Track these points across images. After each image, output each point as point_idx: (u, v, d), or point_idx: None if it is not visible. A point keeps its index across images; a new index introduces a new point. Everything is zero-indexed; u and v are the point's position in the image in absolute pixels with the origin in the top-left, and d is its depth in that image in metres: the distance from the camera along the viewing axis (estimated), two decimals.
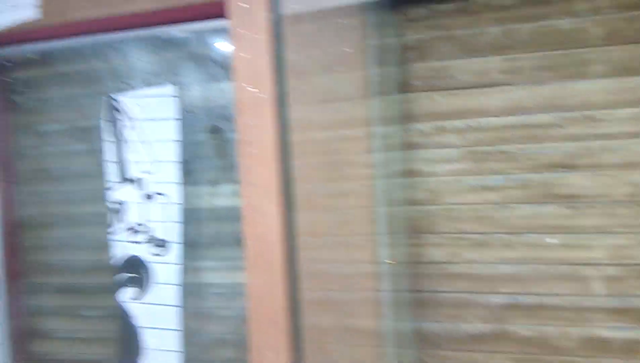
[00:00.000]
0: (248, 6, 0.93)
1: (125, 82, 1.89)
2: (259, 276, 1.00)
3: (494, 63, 1.66)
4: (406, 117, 1.74)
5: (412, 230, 1.75)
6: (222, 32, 1.73)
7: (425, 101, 1.72)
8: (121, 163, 1.87)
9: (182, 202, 1.80)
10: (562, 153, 1.62)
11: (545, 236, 1.64)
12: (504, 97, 1.66)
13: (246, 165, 1.03)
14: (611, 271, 1.58)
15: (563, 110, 1.61)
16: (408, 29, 1.73)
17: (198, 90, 1.83)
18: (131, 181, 1.86)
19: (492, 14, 1.66)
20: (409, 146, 1.74)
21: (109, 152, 1.89)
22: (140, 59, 1.89)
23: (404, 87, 1.74)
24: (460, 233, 1.71)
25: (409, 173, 1.75)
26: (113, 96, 1.88)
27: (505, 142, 1.66)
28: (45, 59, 2.01)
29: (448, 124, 1.71)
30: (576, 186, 1.61)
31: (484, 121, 1.68)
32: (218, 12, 1.59)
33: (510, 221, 1.67)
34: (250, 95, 0.97)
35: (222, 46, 1.80)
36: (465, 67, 1.69)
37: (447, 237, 1.72)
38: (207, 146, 1.84)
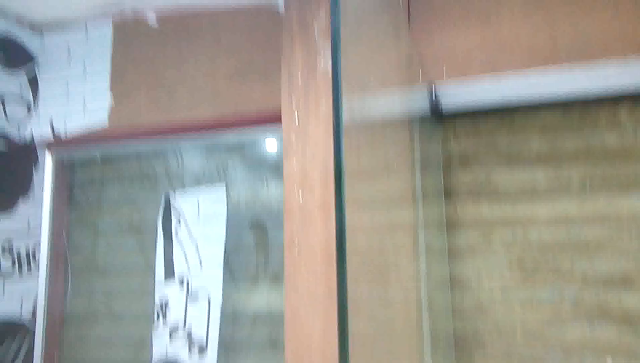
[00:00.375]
0: (301, 115, 0.98)
1: (180, 182, 1.97)
2: None
3: (539, 174, 1.66)
4: (452, 225, 1.72)
5: (459, 342, 1.67)
6: (275, 137, 1.81)
7: (471, 210, 1.71)
8: (169, 261, 1.89)
9: (224, 303, 1.79)
10: (615, 268, 1.55)
11: (603, 356, 1.53)
12: (551, 209, 1.63)
13: (291, 270, 1.03)
14: None
15: (615, 223, 1.57)
16: (454, 138, 1.76)
17: (249, 192, 1.88)
18: (177, 279, 1.87)
19: (536, 126, 1.67)
20: (455, 254, 1.71)
21: (159, 249, 1.92)
22: (195, 161, 1.97)
23: (450, 195, 1.74)
24: (509, 348, 1.62)
25: (456, 282, 1.70)
26: (168, 194, 1.95)
27: (555, 254, 1.61)
28: (105, 158, 2.12)
29: (495, 233, 1.68)
30: (633, 303, 1.52)
31: (531, 231, 1.64)
32: (272, 120, 1.68)
33: (564, 338, 1.57)
34: (299, 200, 0.99)
35: (274, 150, 1.87)
36: (511, 177, 1.68)
37: (496, 352, 1.63)
38: (253, 248, 1.85)
